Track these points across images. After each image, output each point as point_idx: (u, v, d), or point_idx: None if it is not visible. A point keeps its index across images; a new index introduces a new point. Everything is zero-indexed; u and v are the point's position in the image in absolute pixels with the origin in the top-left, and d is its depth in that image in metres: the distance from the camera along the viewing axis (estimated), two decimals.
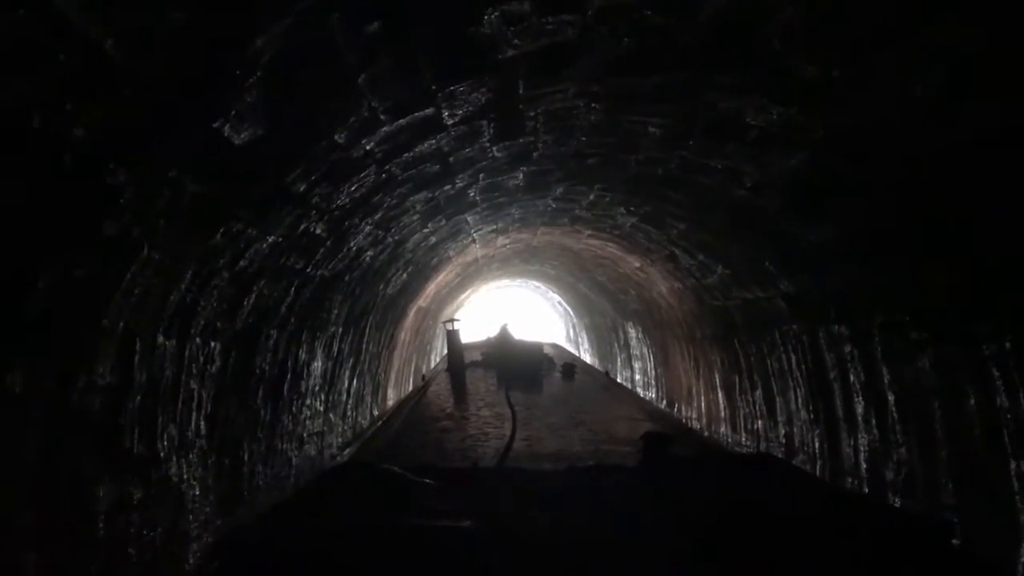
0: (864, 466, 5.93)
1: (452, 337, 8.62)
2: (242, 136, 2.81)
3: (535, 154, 5.27)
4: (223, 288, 3.70)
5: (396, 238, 6.11)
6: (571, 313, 20.75)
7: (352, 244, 5.21)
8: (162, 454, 3.42)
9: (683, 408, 11.23)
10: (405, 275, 7.85)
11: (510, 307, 28.58)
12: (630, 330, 14.25)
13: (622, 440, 4.28)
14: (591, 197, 7.12)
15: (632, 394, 8.57)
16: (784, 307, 6.79)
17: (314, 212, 4.13)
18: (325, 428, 6.41)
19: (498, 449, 4.00)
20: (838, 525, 1.91)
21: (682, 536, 1.83)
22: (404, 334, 10.31)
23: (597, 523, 1.94)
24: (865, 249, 4.85)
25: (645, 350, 13.34)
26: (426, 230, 6.65)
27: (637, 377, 14.32)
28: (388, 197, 4.89)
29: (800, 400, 7.00)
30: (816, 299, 6.04)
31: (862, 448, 5.93)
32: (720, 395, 9.38)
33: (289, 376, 5.18)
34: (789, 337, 6.93)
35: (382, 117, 3.51)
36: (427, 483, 2.27)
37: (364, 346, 7.54)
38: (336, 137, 3.46)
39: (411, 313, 10.16)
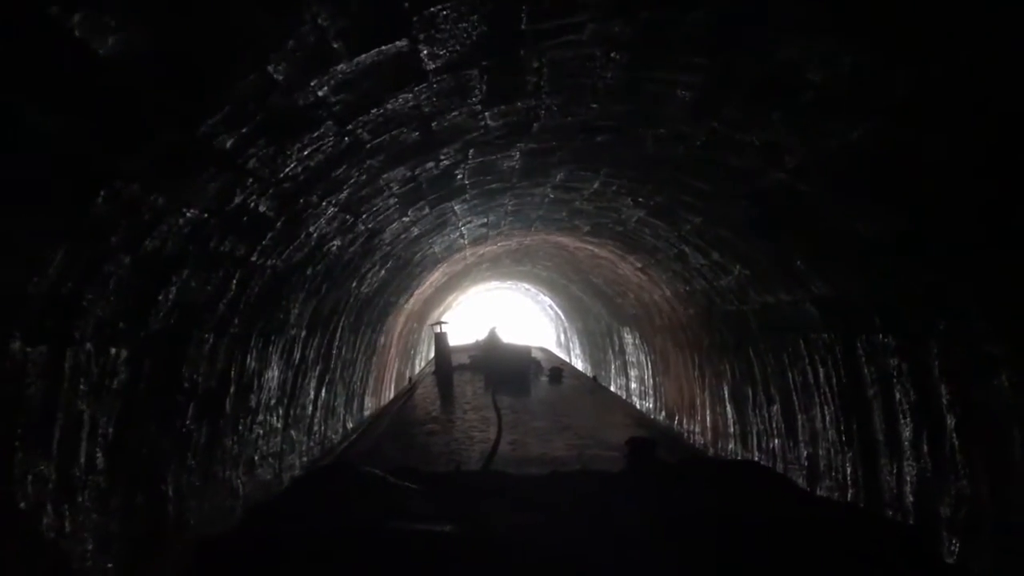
0: (910, 498, 5.01)
1: (440, 340, 8.35)
2: (109, 43, 1.84)
3: (536, 125, 4.32)
4: (123, 277, 2.73)
5: (369, 226, 5.15)
6: (562, 317, 19.80)
7: (312, 230, 4.25)
8: (23, 504, 2.45)
9: (685, 421, 10.30)
10: (383, 272, 6.87)
11: (499, 311, 27.69)
12: (626, 336, 13.31)
13: (608, 445, 4.20)
14: (595, 185, 6.19)
15: (617, 398, 8.26)
16: (814, 313, 5.87)
17: (252, 181, 3.15)
18: (285, 447, 5.43)
19: (483, 453, 3.95)
20: (820, 532, 1.90)
21: (664, 541, 1.81)
22: (384, 338, 9.32)
23: (579, 527, 1.90)
24: (934, 245, 3.93)
25: (643, 357, 12.41)
26: (406, 219, 5.68)
27: (633, 386, 13.38)
28: (355, 170, 3.93)
29: (828, 419, 6.08)
30: (857, 304, 5.12)
31: (909, 478, 5.01)
32: (729, 409, 8.46)
33: (234, 389, 4.20)
34: (818, 347, 6.01)
35: (335, 45, 2.54)
36: (409, 486, 2.23)
37: (335, 351, 6.56)
38: (271, 70, 2.48)
39: (392, 315, 9.17)
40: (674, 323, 9.95)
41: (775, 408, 7.17)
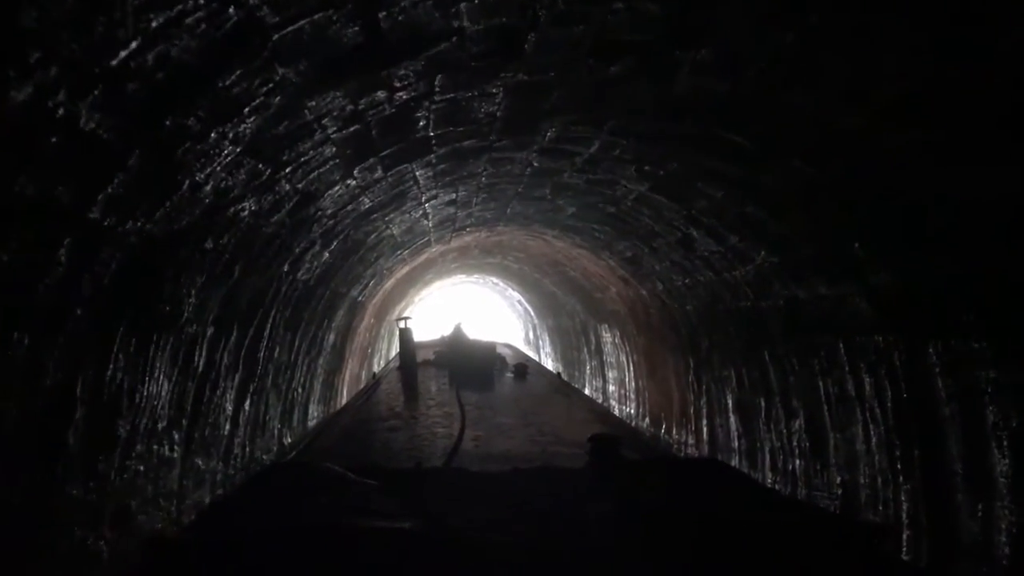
0: (1006, 550, 3.80)
1: (404, 335, 7.94)
2: None
3: (532, 38, 2.96)
4: None
5: (298, 186, 3.73)
6: (532, 313, 18.47)
7: (202, 178, 2.82)
8: None
9: (675, 431, 9.06)
10: (327, 255, 5.43)
11: (465, 307, 26.32)
12: (604, 334, 12.03)
13: (571, 442, 4.12)
14: (594, 148, 4.85)
15: (583, 395, 8.02)
16: (865, 309, 4.62)
17: (57, 68, 1.75)
18: (186, 482, 3.99)
19: (446, 449, 3.87)
20: (780, 528, 1.85)
21: (624, 537, 1.77)
22: (335, 336, 7.86)
23: (540, 523, 1.86)
24: None
25: (624, 358, 11.15)
26: (352, 182, 4.27)
27: (611, 388, 12.11)
28: (259, 84, 2.53)
29: (875, 440, 4.83)
30: (939, 298, 3.89)
31: (1003, 524, 3.80)
32: (733, 421, 7.21)
33: (82, 413, 2.78)
34: (866, 352, 4.76)
35: None
36: (368, 483, 2.16)
37: (263, 354, 5.11)
38: None
39: (343, 310, 7.71)
40: (665, 321, 8.68)
41: (797, 423, 5.92)
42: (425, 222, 7.03)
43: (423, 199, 5.95)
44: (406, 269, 9.97)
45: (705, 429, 8.01)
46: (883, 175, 3.53)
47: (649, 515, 1.91)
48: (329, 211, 4.49)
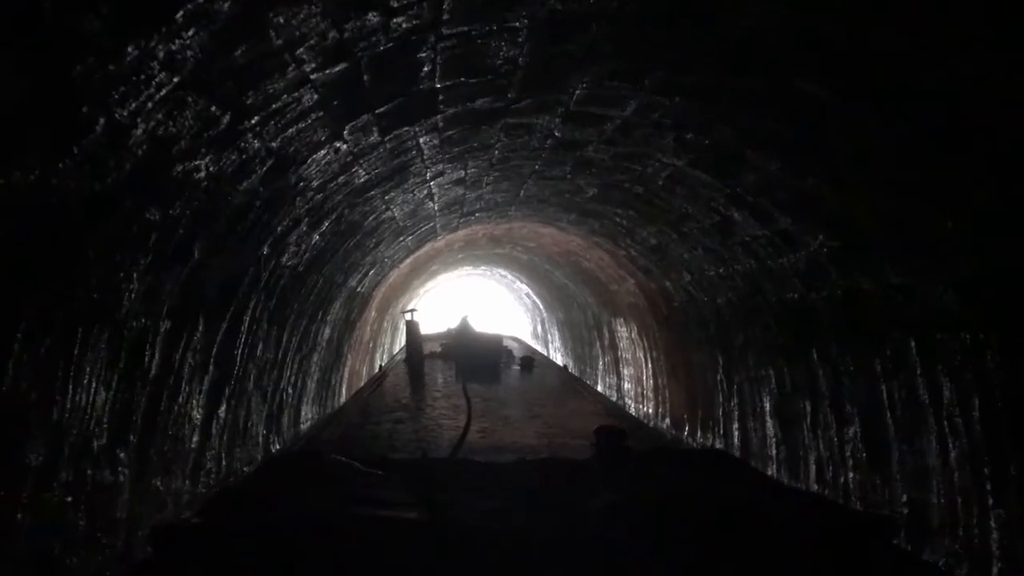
0: None
1: (411, 327, 7.99)
2: None
3: None
4: None
5: (271, 143, 2.94)
6: (540, 307, 17.68)
7: (129, 117, 2.05)
8: None
9: (700, 433, 8.27)
10: (316, 236, 4.65)
11: (471, 300, 25.57)
12: (620, 328, 11.24)
13: (577, 433, 4.07)
14: (629, 110, 4.03)
15: (588, 387, 7.92)
16: (951, 301, 3.82)
17: None
18: (139, 508, 3.23)
19: (452, 441, 3.82)
20: (786, 520, 1.83)
21: (628, 528, 1.74)
22: (331, 331, 7.09)
23: (544, 514, 1.84)
24: None
25: (641, 354, 10.35)
26: (341, 145, 3.48)
27: (627, 386, 11.32)
28: None
29: (955, 454, 4.04)
30: None
31: None
32: (771, 425, 6.42)
33: None
34: (948, 351, 3.96)
35: None
36: (374, 473, 2.16)
37: (243, 351, 4.34)
38: None
39: (340, 301, 6.93)
40: (691, 315, 7.89)
41: (851, 431, 5.13)
42: (430, 204, 6.24)
43: (428, 175, 5.16)
44: (409, 260, 9.19)
45: (736, 433, 7.23)
46: (1000, 138, 2.73)
47: (654, 506, 1.88)
48: (315, 182, 3.71)
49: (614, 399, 11.82)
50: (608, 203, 6.70)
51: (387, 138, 3.76)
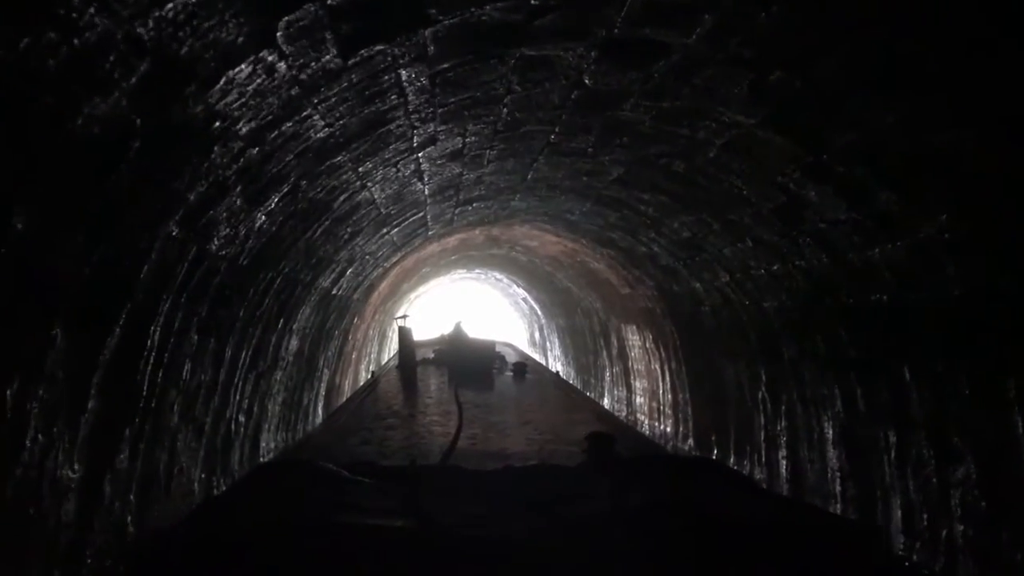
0: None
1: (403, 334, 7.87)
2: None
3: None
4: None
5: (141, 29, 1.69)
6: (539, 312, 16.40)
7: None
8: None
9: (733, 459, 7.01)
10: (263, 217, 3.36)
11: (465, 305, 24.32)
12: (631, 336, 9.98)
13: (567, 440, 3.99)
14: (696, 34, 2.75)
15: (581, 394, 7.77)
16: None
17: None
18: None
19: (442, 447, 3.73)
20: (774, 526, 1.81)
21: (617, 534, 1.71)
22: (299, 341, 5.79)
23: (533, 521, 1.79)
24: None
25: (657, 365, 9.09)
26: (275, 60, 2.19)
27: (639, 400, 10.05)
28: None
29: None
30: None
31: None
32: (834, 456, 5.16)
33: None
34: None
35: None
36: (362, 481, 2.11)
37: (154, 372, 3.04)
38: None
39: (311, 306, 5.64)
40: (725, 321, 6.64)
41: (960, 473, 3.89)
42: (418, 186, 4.97)
43: (415, 141, 3.90)
44: (396, 258, 7.91)
45: (784, 463, 5.97)
46: None
47: (643, 512, 1.82)
48: (243, 125, 2.43)
49: (623, 415, 10.56)
50: (635, 187, 5.44)
51: (352, 61, 2.48)
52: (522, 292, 15.93)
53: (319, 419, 7.19)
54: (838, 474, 5.14)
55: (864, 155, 3.39)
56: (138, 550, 1.75)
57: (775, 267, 5.13)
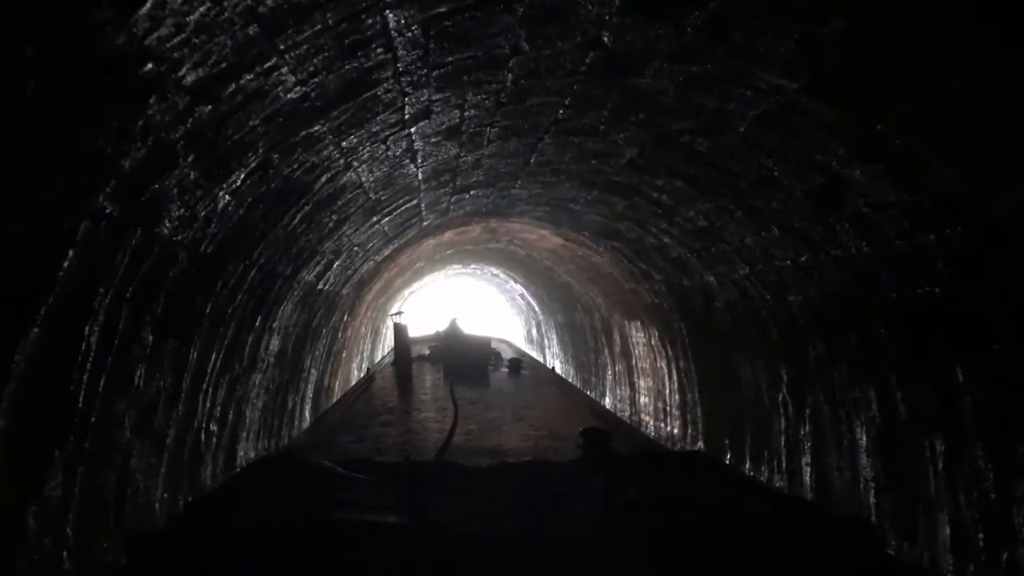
0: None
1: (398, 330, 7.66)
2: None
3: None
4: None
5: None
6: (536, 308, 15.89)
7: None
8: None
9: (748, 464, 6.53)
10: (227, 197, 2.82)
11: (461, 303, 23.85)
12: (635, 333, 9.48)
13: (562, 436, 3.95)
14: None
15: (576, 390, 7.64)
16: None
17: None
18: None
19: (438, 444, 3.64)
20: (766, 520, 1.79)
21: (610, 530, 1.71)
22: (281, 340, 5.26)
23: (527, 517, 1.76)
24: None
25: (663, 364, 8.59)
26: None
27: (643, 400, 9.56)
28: None
29: None
30: None
31: None
32: (867, 464, 4.67)
33: None
34: None
35: None
36: (357, 477, 2.07)
37: (93, 380, 2.53)
38: None
39: (292, 302, 5.11)
40: (742, 318, 6.15)
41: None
42: (411, 167, 4.45)
43: (406, 111, 3.37)
44: (388, 252, 7.38)
45: (808, 470, 5.48)
46: None
47: (636, 508, 1.80)
48: (186, 72, 1.91)
49: (626, 415, 10.07)
50: (648, 171, 4.93)
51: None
52: (519, 288, 15.42)
53: (306, 423, 6.67)
54: (872, 484, 4.65)
55: (927, 126, 2.89)
56: (135, 548, 1.59)
57: (803, 257, 4.64)
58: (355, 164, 3.74)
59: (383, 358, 11.06)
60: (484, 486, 2.11)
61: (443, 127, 3.86)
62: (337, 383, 8.60)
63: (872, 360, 4.43)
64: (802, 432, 5.51)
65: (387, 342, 15.93)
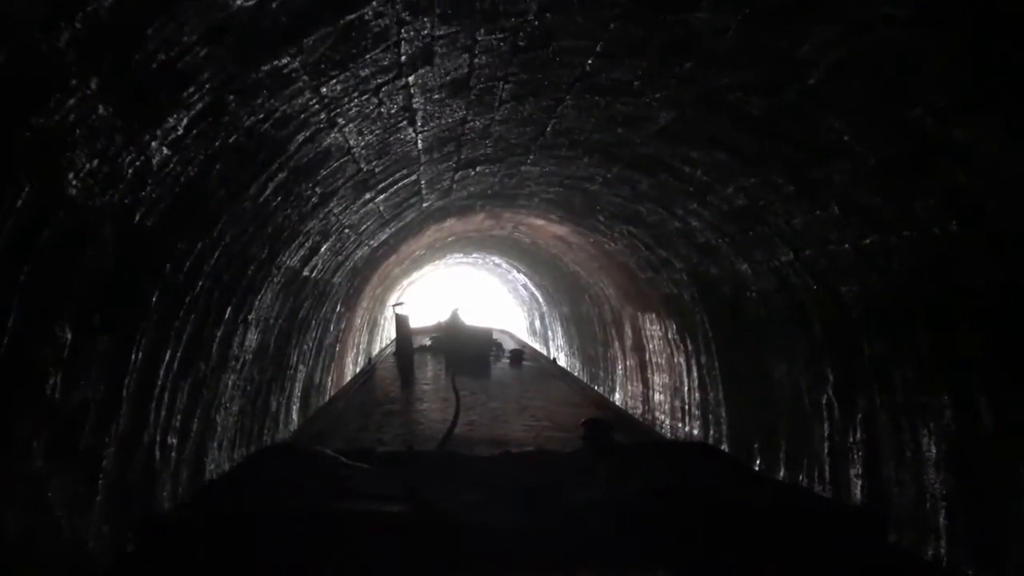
0: None
1: (400, 321, 7.51)
2: None
3: None
4: None
5: None
6: (540, 299, 15.19)
7: None
8: None
9: (783, 471, 5.86)
10: (165, 151, 2.13)
11: (462, 293, 23.22)
12: (650, 326, 8.79)
13: (564, 426, 3.93)
14: None
15: (578, 380, 7.47)
16: None
17: None
18: None
19: (440, 433, 3.58)
20: (769, 510, 1.75)
21: (612, 519, 1.66)
22: (260, 335, 4.56)
23: (529, 507, 1.74)
24: None
25: (682, 359, 7.90)
26: None
27: (658, 397, 8.87)
28: None
29: None
30: None
31: None
32: (937, 482, 3.99)
33: None
34: None
35: None
36: (359, 467, 2.05)
37: None
38: None
39: (272, 290, 4.40)
40: (778, 310, 5.46)
41: None
42: (409, 132, 3.73)
43: (403, 50, 2.66)
44: (384, 237, 6.68)
45: (858, 481, 4.80)
46: None
47: (640, 497, 1.78)
48: None
49: (639, 413, 9.40)
50: (684, 140, 4.23)
51: None
52: (522, 278, 14.71)
53: (294, 425, 5.99)
54: (943, 504, 3.97)
55: None
56: (143, 533, 1.48)
57: (867, 240, 3.93)
58: (340, 122, 3.03)
59: (384, 349, 10.81)
60: (486, 476, 2.09)
61: (448, 78, 3.15)
62: (331, 379, 7.90)
63: (948, 360, 3.75)
64: (851, 439, 4.83)
65: (386, 334, 15.24)
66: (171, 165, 2.21)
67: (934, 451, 3.98)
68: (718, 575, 1.53)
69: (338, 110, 2.90)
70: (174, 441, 3.36)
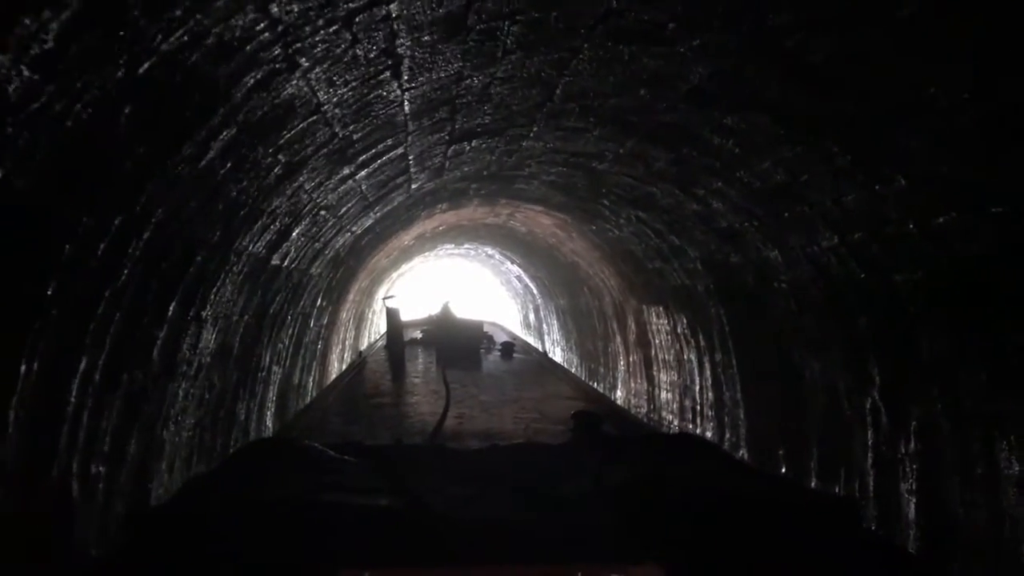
0: None
1: (391, 314, 7.31)
2: None
3: None
4: None
5: None
6: (534, 291, 14.51)
7: None
8: None
9: (815, 482, 5.23)
10: (36, 76, 1.46)
11: (453, 286, 22.53)
12: (656, 319, 8.13)
13: (553, 419, 3.99)
14: None
15: (567, 372, 7.25)
16: None
17: None
18: None
19: (430, 426, 3.66)
20: (755, 500, 1.74)
21: (600, 511, 1.65)
22: (222, 334, 3.87)
23: (518, 500, 1.73)
24: None
25: (692, 356, 7.25)
26: None
27: (664, 396, 8.22)
28: None
29: None
30: None
31: None
32: (1018, 503, 3.40)
33: None
34: None
35: None
36: (347, 460, 2.01)
37: None
38: None
39: (233, 281, 3.71)
40: (809, 301, 4.81)
41: None
42: (392, 85, 3.04)
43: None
44: (369, 223, 5.98)
45: (910, 499, 4.17)
46: None
47: (629, 489, 1.74)
48: None
49: (643, 412, 8.77)
50: (718, 102, 3.56)
51: None
52: (516, 269, 14.04)
53: (268, 433, 5.31)
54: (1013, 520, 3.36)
55: None
56: (129, 527, 1.46)
57: (940, 219, 3.29)
58: (303, 63, 2.33)
59: (374, 343, 10.71)
60: (476, 469, 2.06)
61: (441, 11, 2.46)
62: (313, 379, 7.20)
63: None
64: (902, 451, 4.19)
65: (374, 328, 14.55)
66: (44, 98, 1.52)
67: (1016, 468, 3.36)
68: (707, 563, 1.46)
69: (298, 45, 2.21)
70: (101, 469, 2.67)
